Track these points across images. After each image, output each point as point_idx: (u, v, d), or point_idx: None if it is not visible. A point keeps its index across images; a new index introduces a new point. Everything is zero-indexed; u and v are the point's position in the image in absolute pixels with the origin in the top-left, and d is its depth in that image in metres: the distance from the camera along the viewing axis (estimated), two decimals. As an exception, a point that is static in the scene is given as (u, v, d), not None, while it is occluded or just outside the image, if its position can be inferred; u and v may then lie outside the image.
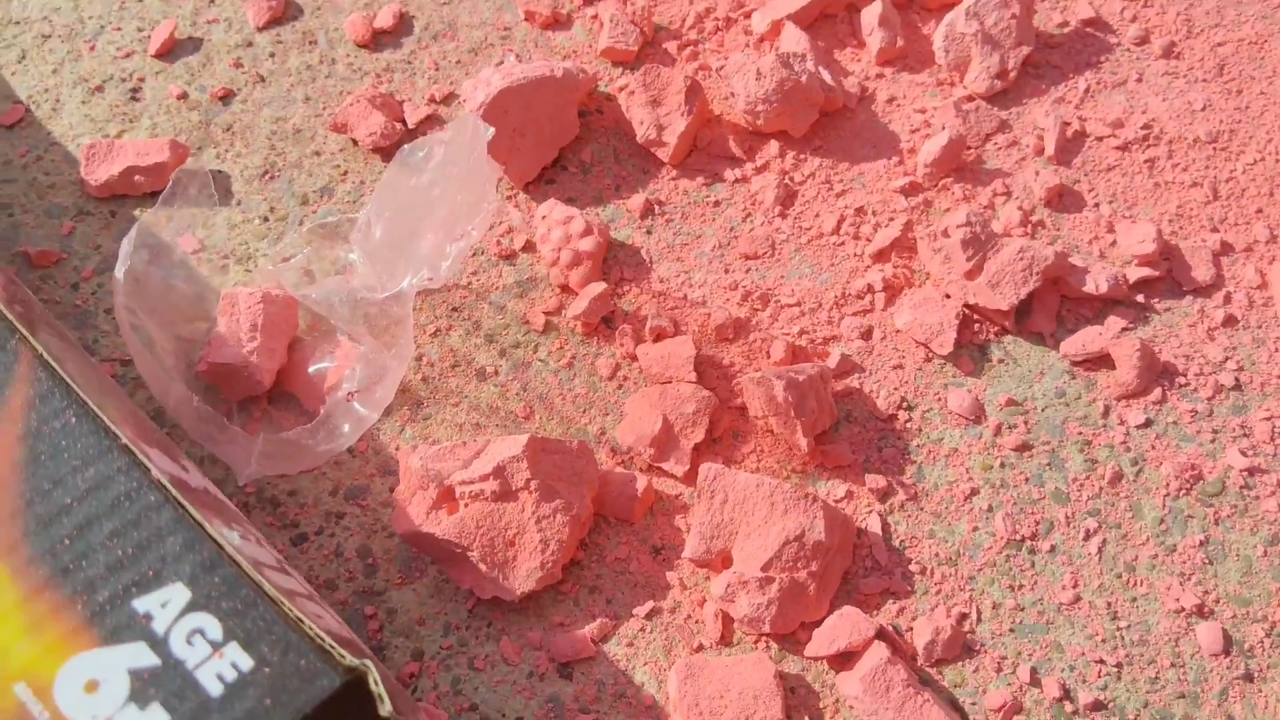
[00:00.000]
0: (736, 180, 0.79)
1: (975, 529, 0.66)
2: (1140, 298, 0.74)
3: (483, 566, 0.61)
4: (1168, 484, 0.68)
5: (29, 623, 0.44)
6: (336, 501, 0.67)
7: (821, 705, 0.61)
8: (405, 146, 0.68)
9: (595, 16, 0.86)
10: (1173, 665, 0.62)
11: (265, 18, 0.85)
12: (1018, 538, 0.66)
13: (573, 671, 0.62)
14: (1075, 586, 0.65)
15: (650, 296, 0.74)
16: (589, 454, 0.65)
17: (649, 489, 0.66)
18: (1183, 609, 0.64)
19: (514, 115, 0.76)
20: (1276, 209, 0.78)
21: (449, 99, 0.82)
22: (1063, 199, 0.79)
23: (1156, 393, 0.71)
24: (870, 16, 0.84)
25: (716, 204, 0.78)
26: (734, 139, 0.80)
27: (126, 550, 0.45)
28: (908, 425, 0.70)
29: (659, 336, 0.72)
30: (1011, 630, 0.63)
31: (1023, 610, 0.64)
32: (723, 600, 0.62)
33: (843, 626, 0.62)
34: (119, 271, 0.62)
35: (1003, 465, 0.68)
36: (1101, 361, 0.72)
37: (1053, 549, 0.66)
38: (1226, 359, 0.72)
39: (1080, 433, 0.70)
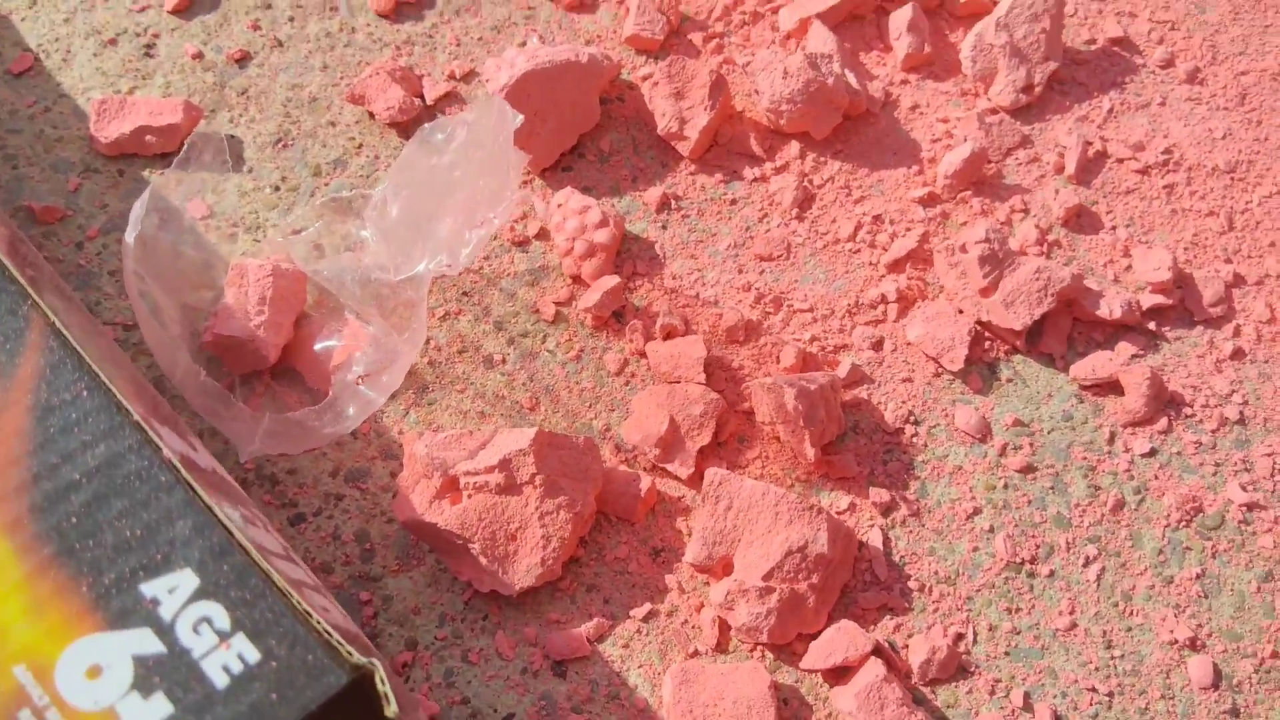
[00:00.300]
0: (755, 179, 0.78)
1: (976, 549, 0.66)
2: (1152, 325, 0.74)
3: (483, 559, 0.61)
4: (1169, 515, 0.68)
5: (31, 602, 0.43)
6: (337, 483, 0.66)
7: (814, 718, 0.61)
8: (426, 125, 0.67)
9: (622, 1, 0.85)
10: (1163, 697, 0.63)
11: (285, -20, 0.84)
12: (1018, 560, 0.66)
13: (567, 670, 0.62)
14: (1072, 613, 0.65)
15: (662, 293, 0.73)
16: (595, 451, 0.64)
17: (652, 489, 0.66)
18: (1176, 641, 0.64)
19: (536, 99, 0.74)
20: (1291, 244, 0.78)
21: (469, 76, 0.81)
22: (1080, 219, 0.78)
23: (1163, 422, 0.71)
24: (899, 20, 0.83)
25: (734, 202, 0.77)
26: (755, 137, 0.79)
27: (135, 531, 0.44)
28: (914, 440, 0.70)
29: (669, 334, 0.71)
30: (1007, 653, 0.64)
31: (1019, 634, 0.64)
32: (722, 607, 0.62)
33: (840, 640, 0.62)
34: (129, 236, 0.61)
35: (1006, 486, 0.68)
36: (1110, 387, 0.72)
37: (1052, 574, 0.66)
38: (1233, 392, 0.72)
39: (1085, 458, 0.70)
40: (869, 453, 0.69)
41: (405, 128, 0.78)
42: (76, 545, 0.44)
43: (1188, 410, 0.72)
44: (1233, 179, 0.81)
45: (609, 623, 0.63)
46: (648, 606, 0.63)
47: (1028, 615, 0.65)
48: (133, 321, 0.70)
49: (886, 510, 0.67)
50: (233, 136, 0.77)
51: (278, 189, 0.75)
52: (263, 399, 0.67)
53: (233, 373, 0.68)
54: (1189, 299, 0.75)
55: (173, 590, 0.43)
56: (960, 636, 0.64)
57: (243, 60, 0.80)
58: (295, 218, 0.73)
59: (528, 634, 0.62)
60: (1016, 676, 0.63)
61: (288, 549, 0.53)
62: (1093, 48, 0.86)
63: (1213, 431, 0.71)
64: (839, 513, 0.67)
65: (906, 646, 0.63)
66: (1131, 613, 0.65)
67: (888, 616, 0.64)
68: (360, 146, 0.77)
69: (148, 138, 0.74)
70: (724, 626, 0.63)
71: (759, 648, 0.63)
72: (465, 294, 0.72)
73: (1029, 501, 0.68)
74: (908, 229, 0.77)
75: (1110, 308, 0.73)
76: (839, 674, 0.62)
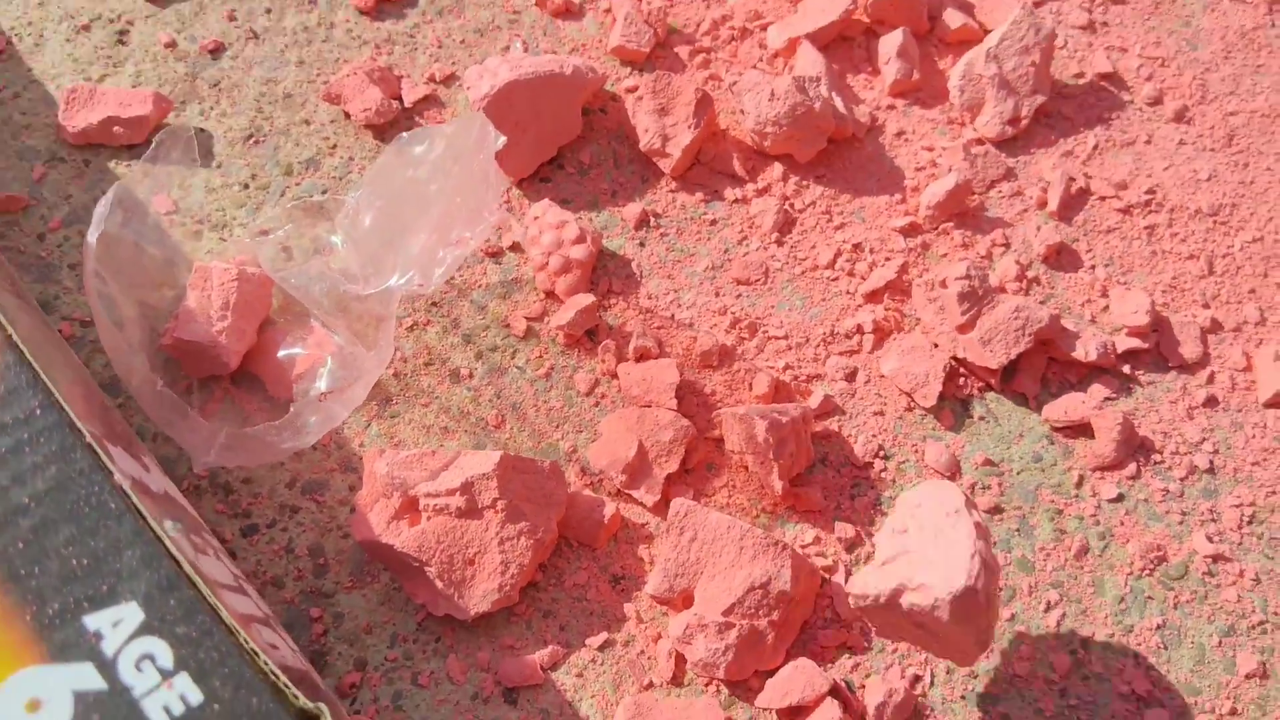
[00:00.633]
0: (736, 200, 0.77)
1: (938, 590, 0.66)
2: (1126, 368, 0.74)
3: (439, 583, 0.60)
4: (1132, 562, 0.68)
5: (-31, 629, 0.42)
6: (293, 494, 0.64)
7: (768, 758, 0.60)
8: (404, 135, 0.65)
9: (609, 10, 0.83)
10: (1118, 749, 0.62)
11: (266, -32, 0.82)
12: (980, 604, 0.65)
13: (518, 698, 0.61)
14: (1030, 660, 0.64)
15: (637, 313, 0.72)
16: (560, 476, 0.63)
17: (616, 516, 0.65)
18: (1134, 693, 0.64)
19: (518, 109, 0.73)
20: (1269, 291, 0.78)
21: (450, 80, 0.79)
22: (1060, 257, 0.78)
23: (1131, 467, 0.70)
24: (889, 45, 0.82)
25: (713, 223, 0.76)
26: (738, 156, 0.78)
27: (82, 561, 0.43)
28: (882, 475, 0.69)
29: (642, 357, 0.70)
30: (963, 697, 0.63)
31: (976, 678, 0.64)
32: (679, 641, 0.61)
33: (797, 679, 0.61)
34: (92, 236, 0.59)
35: (972, 527, 0.68)
36: (1081, 430, 0.71)
37: (1013, 617, 0.65)
38: (1203, 440, 0.72)
39: (1052, 501, 0.69)
40: (836, 486, 0.68)
41: (382, 130, 0.76)
42: (22, 572, 0.43)
43: (1157, 457, 0.71)
44: (1215, 222, 0.80)
45: (563, 650, 0.62)
46: (604, 635, 0.63)
47: (985, 659, 0.64)
48: (90, 318, 0.68)
49: (851, 546, 0.67)
50: (202, 130, 0.75)
51: (247, 186, 0.73)
52: (221, 405, 0.66)
53: (190, 376, 0.66)
54: (1164, 343, 0.75)
55: (117, 624, 0.42)
56: (918, 679, 0.63)
57: (216, 51, 0.78)
58: (264, 218, 0.71)
59: (480, 659, 0.61)
60: (972, 723, 0.62)
61: (239, 578, 0.52)
62: (1081, 81, 0.86)
63: (1181, 479, 0.71)
64: (803, 547, 0.66)
65: (864, 686, 0.63)
66: (1090, 662, 0.65)
67: (846, 655, 0.64)
68: (334, 147, 0.76)
69: (115, 129, 0.72)
70: (680, 659, 0.62)
71: (715, 683, 0.62)
72: (434, 304, 0.71)
73: (994, 543, 0.67)
74: (887, 259, 0.76)
75: (1086, 349, 0.72)
76: (795, 713, 0.61)
